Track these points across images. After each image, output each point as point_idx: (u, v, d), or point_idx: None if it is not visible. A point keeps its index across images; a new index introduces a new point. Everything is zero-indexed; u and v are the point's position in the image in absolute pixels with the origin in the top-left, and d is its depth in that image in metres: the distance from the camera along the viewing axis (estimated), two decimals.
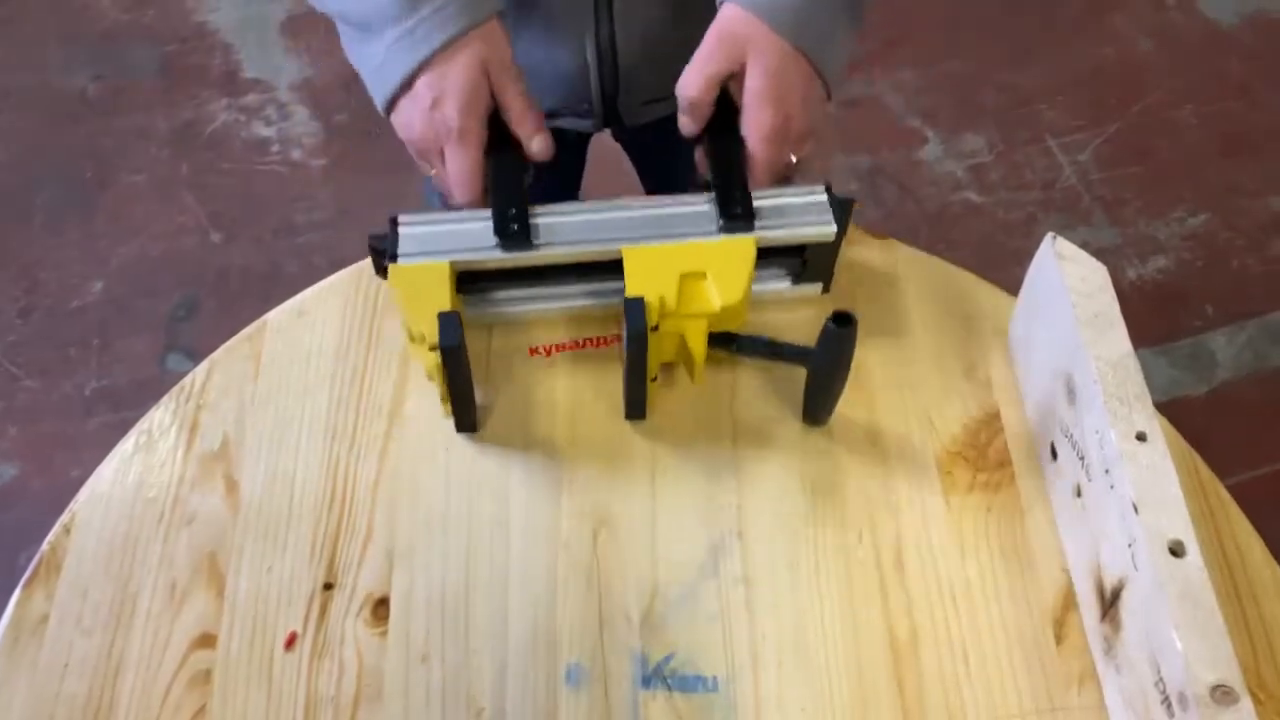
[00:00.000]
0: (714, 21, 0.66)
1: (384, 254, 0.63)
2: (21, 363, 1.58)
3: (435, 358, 0.58)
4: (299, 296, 0.69)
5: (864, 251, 0.72)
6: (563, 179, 0.97)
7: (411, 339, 0.60)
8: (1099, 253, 1.83)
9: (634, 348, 0.59)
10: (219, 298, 1.62)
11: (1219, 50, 1.90)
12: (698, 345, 0.62)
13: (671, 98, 0.67)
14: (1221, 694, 0.45)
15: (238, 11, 1.93)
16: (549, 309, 0.68)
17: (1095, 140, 1.79)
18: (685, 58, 0.66)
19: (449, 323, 0.58)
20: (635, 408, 0.64)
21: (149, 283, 1.65)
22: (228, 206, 1.72)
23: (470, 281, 0.65)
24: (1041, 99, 1.84)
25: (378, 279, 0.70)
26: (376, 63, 0.65)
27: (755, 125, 0.64)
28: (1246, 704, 0.45)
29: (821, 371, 0.61)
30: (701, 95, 0.65)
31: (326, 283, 0.70)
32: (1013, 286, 0.68)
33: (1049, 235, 0.60)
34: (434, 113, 0.63)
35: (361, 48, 0.66)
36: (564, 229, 0.64)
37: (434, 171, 0.66)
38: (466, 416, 0.63)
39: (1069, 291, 0.57)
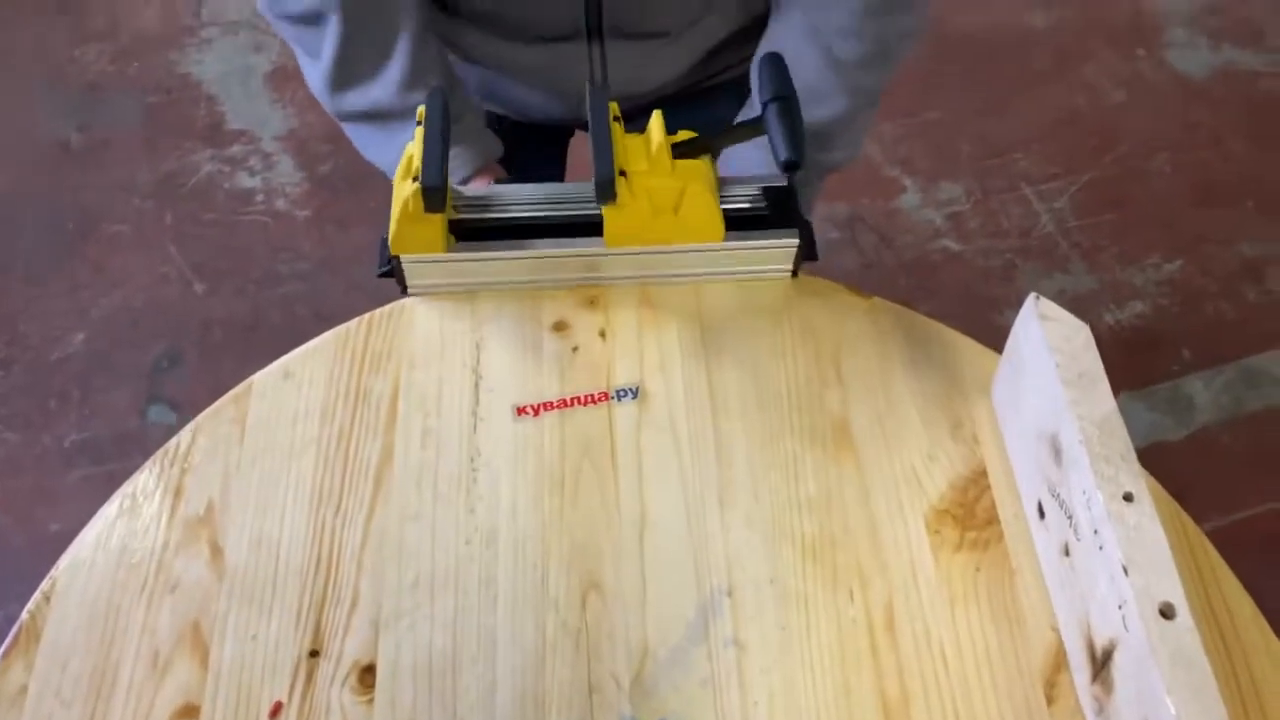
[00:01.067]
0: None
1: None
2: (1, 415, 1.57)
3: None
4: (285, 358, 0.69)
5: (846, 308, 0.72)
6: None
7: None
8: (1077, 299, 1.84)
9: (596, 104, 0.65)
10: (201, 349, 1.62)
11: (1189, 101, 1.94)
12: (656, 128, 0.67)
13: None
14: None
15: (222, 64, 1.94)
16: (523, 257, 0.70)
17: (1070, 188, 1.82)
18: None
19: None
20: (604, 189, 0.65)
21: (131, 334, 1.64)
22: (211, 257, 1.71)
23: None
24: (1017, 148, 1.87)
25: (363, 338, 0.70)
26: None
27: None
28: None
29: (780, 109, 0.63)
30: None
31: (312, 344, 0.70)
32: (991, 333, 0.69)
33: (1031, 296, 0.60)
34: None
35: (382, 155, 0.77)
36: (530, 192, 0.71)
37: None
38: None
39: (1052, 351, 0.58)
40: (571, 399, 0.68)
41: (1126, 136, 1.89)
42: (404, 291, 0.71)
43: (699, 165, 0.68)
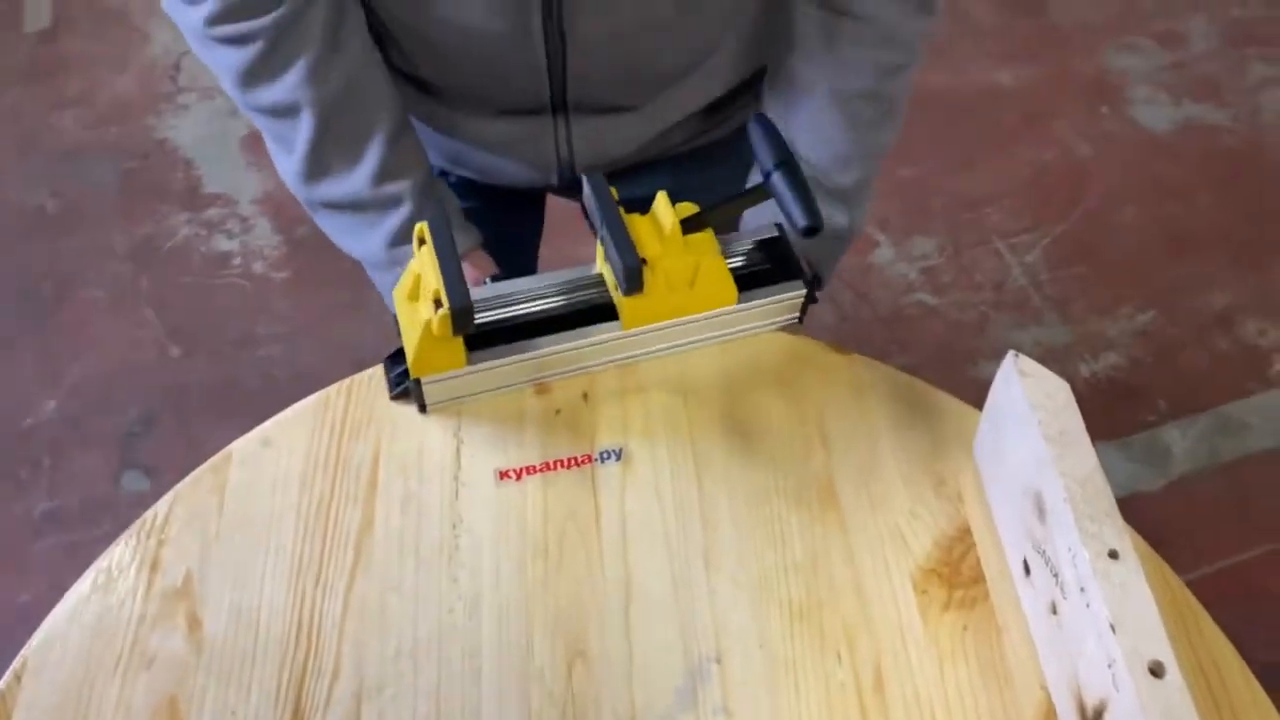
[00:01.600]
0: None
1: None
2: None
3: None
4: (264, 426, 0.68)
5: (828, 367, 0.73)
6: (519, 244, 1.01)
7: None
8: (1051, 351, 1.86)
9: (599, 193, 0.64)
10: (177, 413, 1.60)
11: (1155, 155, 1.98)
12: (665, 210, 0.66)
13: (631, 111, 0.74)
14: None
15: (199, 128, 1.95)
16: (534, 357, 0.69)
17: (1042, 241, 1.85)
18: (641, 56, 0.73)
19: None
20: (633, 281, 0.64)
21: (104, 399, 1.62)
22: (187, 320, 1.70)
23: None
24: (988, 203, 1.90)
25: (344, 404, 0.69)
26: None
27: None
28: None
29: (787, 174, 0.62)
30: None
31: (292, 411, 0.69)
32: (967, 385, 0.70)
33: (1010, 353, 0.61)
34: None
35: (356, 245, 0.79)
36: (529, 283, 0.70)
37: None
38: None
39: (1034, 409, 0.58)
40: (554, 462, 0.68)
41: (1095, 190, 1.92)
42: (422, 410, 0.69)
43: (705, 237, 0.68)
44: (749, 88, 0.87)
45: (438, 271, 0.61)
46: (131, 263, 1.77)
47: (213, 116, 1.96)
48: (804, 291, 0.72)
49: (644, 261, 0.65)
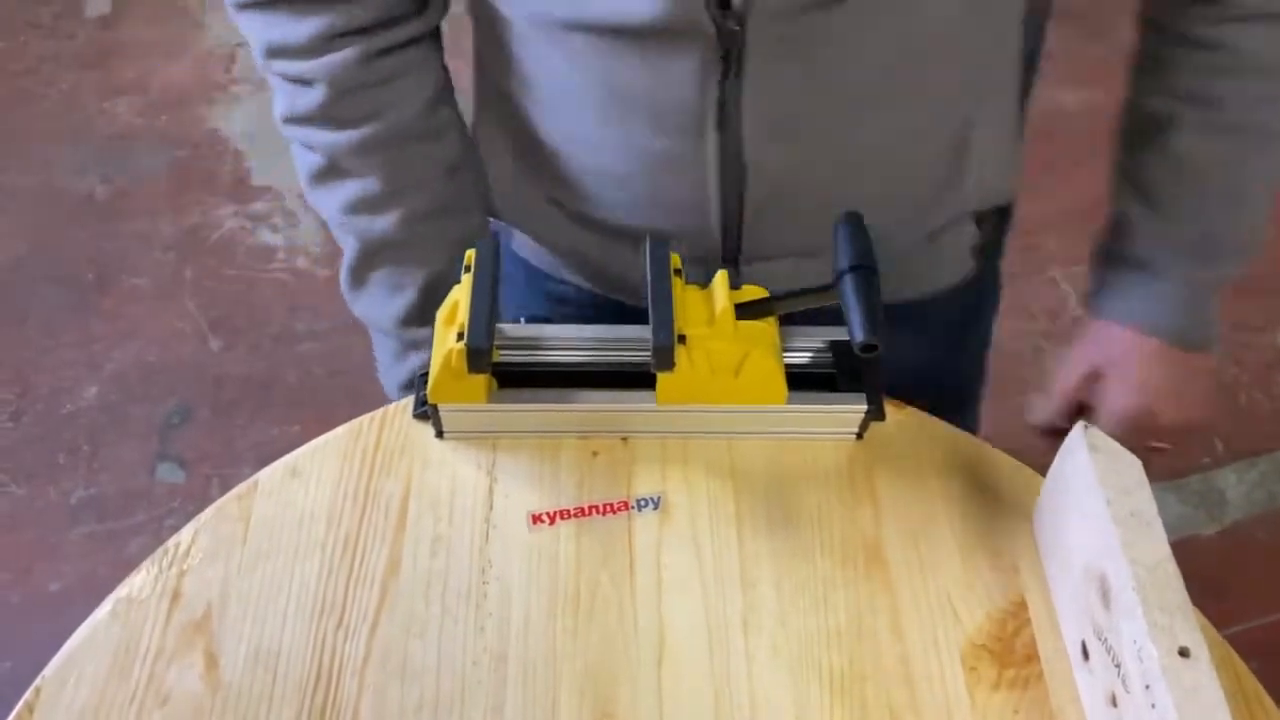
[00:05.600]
0: (1085, 339, 0.67)
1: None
2: (8, 468, 1.55)
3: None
4: (293, 455, 0.66)
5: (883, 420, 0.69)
6: None
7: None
8: None
9: (657, 258, 0.60)
10: (214, 405, 1.60)
11: None
12: (721, 290, 0.62)
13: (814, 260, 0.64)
14: None
15: (251, 121, 1.95)
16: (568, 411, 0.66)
17: None
18: (830, 199, 0.60)
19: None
20: (663, 358, 0.60)
21: (143, 388, 1.62)
22: (229, 313, 1.70)
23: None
24: (1045, 230, 1.85)
25: (376, 434, 0.67)
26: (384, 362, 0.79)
27: (1108, 413, 0.64)
28: None
29: (858, 280, 0.56)
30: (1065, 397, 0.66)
31: (322, 440, 0.67)
32: (1015, 414, 0.66)
33: (1079, 424, 0.57)
34: None
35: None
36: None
37: None
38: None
39: (1102, 487, 0.55)
40: (589, 507, 0.65)
41: None
42: (439, 436, 0.67)
43: (763, 327, 0.63)
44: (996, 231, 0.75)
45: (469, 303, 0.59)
46: (176, 252, 1.77)
47: (264, 109, 1.94)
48: (864, 408, 0.65)
49: (682, 339, 0.61)
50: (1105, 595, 0.54)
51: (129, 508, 1.52)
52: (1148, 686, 0.50)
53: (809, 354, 0.68)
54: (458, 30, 0.72)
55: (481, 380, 0.63)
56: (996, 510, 0.65)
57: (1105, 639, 0.54)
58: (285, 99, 0.67)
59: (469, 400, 0.64)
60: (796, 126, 0.62)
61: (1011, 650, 0.60)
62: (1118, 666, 0.53)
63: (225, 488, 0.68)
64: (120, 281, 1.74)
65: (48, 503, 1.51)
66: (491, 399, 0.64)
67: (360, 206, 0.70)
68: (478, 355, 0.58)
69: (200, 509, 0.64)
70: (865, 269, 0.55)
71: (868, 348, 0.54)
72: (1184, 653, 0.50)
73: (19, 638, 1.35)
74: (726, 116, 0.61)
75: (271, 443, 1.51)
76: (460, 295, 0.62)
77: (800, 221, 0.67)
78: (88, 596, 0.61)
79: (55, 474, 1.54)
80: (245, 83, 2.01)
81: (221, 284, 1.74)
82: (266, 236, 1.79)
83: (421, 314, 0.73)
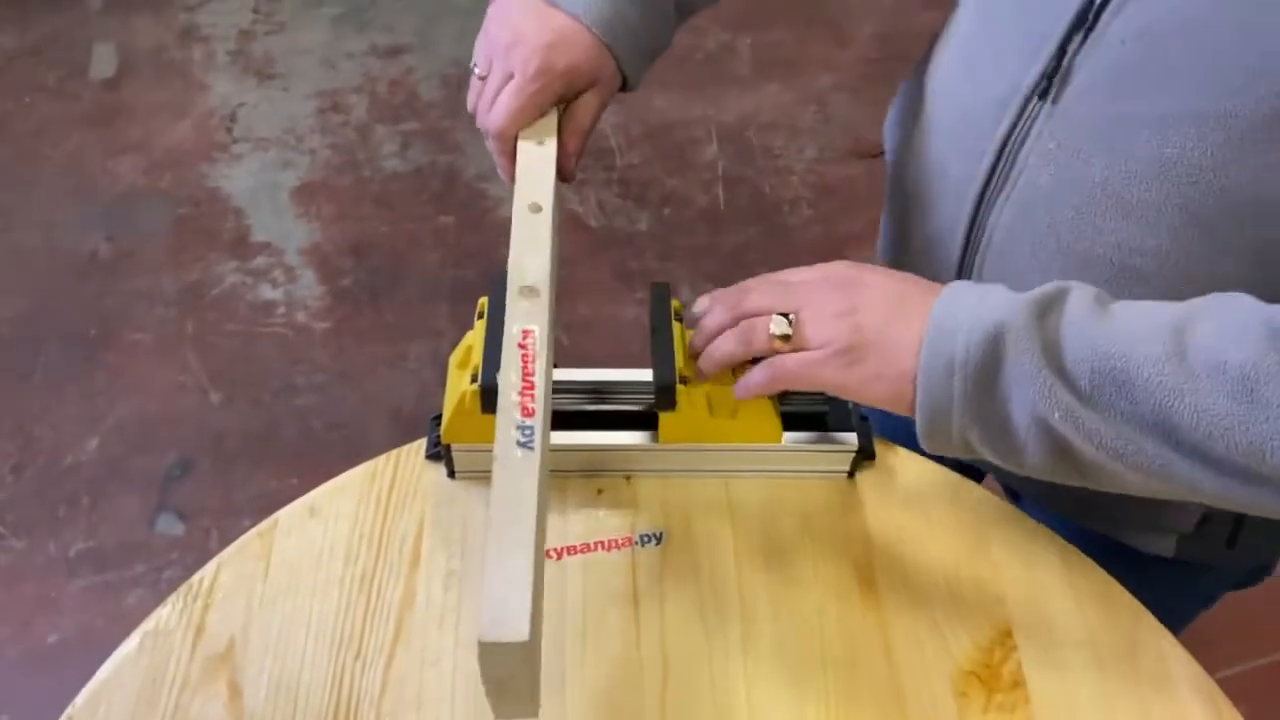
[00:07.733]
0: None
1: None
2: (9, 521, 1.56)
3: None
4: (311, 495, 0.69)
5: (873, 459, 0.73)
6: None
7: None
8: None
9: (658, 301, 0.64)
10: (214, 459, 1.62)
11: None
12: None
13: None
14: None
15: (251, 178, 2.00)
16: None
17: None
18: None
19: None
20: (664, 398, 0.63)
21: (144, 442, 1.65)
22: (229, 367, 1.73)
23: None
24: None
25: (390, 475, 0.70)
26: None
27: None
28: None
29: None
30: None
31: (339, 480, 0.70)
32: None
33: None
34: (514, 49, 0.64)
35: None
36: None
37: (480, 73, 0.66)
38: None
39: None
40: (595, 543, 0.68)
41: None
42: (451, 476, 0.70)
43: None
44: None
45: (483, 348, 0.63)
46: (178, 308, 1.81)
47: (265, 168, 2.01)
48: (856, 446, 0.69)
49: (683, 380, 0.65)
50: None
51: (128, 560, 1.53)
52: None
53: (802, 395, 0.72)
54: None
55: (493, 421, 0.66)
56: (979, 542, 0.69)
57: None
58: None
59: (481, 440, 0.67)
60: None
61: (999, 676, 0.63)
62: None
63: (225, 540, 0.69)
64: (123, 337, 1.77)
65: (47, 556, 1.53)
66: None
67: None
68: (491, 394, 0.62)
69: (200, 562, 0.67)
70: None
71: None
72: None
73: (19, 691, 1.36)
74: None
75: (270, 495, 1.53)
76: (474, 339, 0.65)
77: None
78: (86, 649, 0.63)
79: (55, 527, 1.56)
80: (245, 142, 2.07)
81: (222, 339, 1.77)
82: (266, 291, 1.83)
83: None
